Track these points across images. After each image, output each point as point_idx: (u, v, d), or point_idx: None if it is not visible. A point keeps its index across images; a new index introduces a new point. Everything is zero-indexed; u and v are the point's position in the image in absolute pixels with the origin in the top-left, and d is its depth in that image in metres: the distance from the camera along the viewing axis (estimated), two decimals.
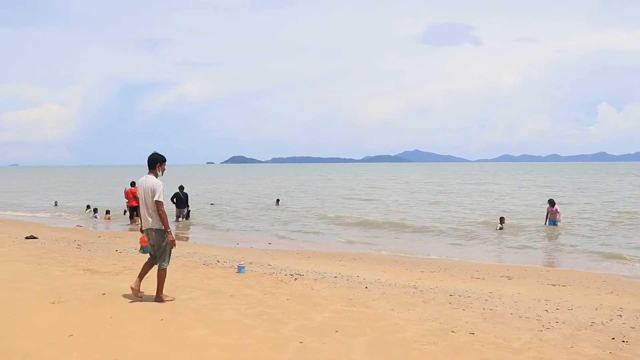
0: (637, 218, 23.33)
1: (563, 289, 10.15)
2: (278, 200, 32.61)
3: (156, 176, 7.30)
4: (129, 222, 22.73)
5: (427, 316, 7.08)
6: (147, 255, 7.55)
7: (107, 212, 25.56)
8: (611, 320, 7.35)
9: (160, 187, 7.09)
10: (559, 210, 20.18)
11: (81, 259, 10.97)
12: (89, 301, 7.18)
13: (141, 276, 7.42)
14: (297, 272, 10.29)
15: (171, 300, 7.38)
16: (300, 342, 5.62)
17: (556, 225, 19.94)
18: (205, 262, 11.16)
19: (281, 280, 9.29)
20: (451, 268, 12.53)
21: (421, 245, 17.14)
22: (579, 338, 6.27)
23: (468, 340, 5.94)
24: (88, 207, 26.69)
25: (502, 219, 20.85)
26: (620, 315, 7.68)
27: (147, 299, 7.38)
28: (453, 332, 6.27)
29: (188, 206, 23.98)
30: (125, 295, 7.55)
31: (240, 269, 9.81)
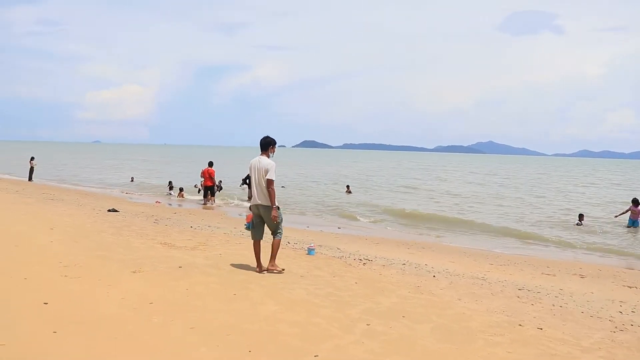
0: None
1: None
2: (348, 187, 32.74)
3: (268, 157, 8.05)
4: (203, 201, 23.44)
5: (495, 308, 7.06)
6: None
7: (181, 189, 26.44)
8: None
9: (274, 167, 7.88)
10: None
11: (158, 233, 11.49)
12: (167, 273, 7.57)
13: (258, 256, 8.23)
14: (365, 257, 10.42)
15: (280, 271, 8.15)
16: (368, 325, 5.75)
17: (637, 226, 19.17)
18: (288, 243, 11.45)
19: (350, 264, 9.44)
20: (521, 263, 12.33)
21: (490, 239, 16.88)
22: None
23: (535, 335, 5.91)
24: (170, 183, 27.74)
25: (581, 216, 20.26)
26: None
27: (221, 274, 7.70)
28: (520, 325, 6.24)
29: None
30: (199, 270, 7.90)
31: (310, 251, 10.03)
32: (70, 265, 7.64)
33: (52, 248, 8.92)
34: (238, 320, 5.62)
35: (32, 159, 33.84)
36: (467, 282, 8.87)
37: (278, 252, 8.35)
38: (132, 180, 35.76)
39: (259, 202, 8.00)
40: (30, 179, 32.09)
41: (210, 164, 23.58)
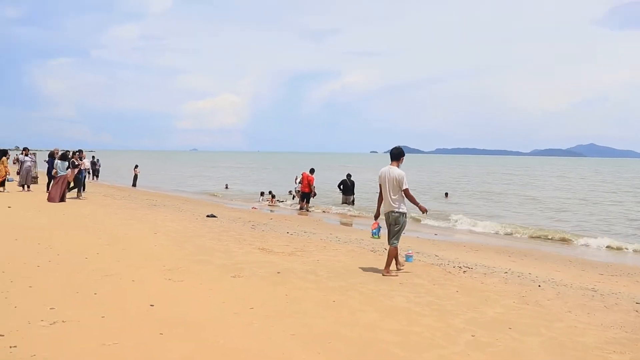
0: None
1: None
2: (447, 194, 32.10)
3: (398, 167, 8.39)
4: (298, 207, 23.68)
5: (610, 323, 6.57)
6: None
7: (273, 196, 26.83)
8: None
9: (404, 177, 8.24)
10: None
11: (256, 238, 11.66)
12: (266, 278, 7.63)
13: (397, 258, 8.71)
14: (465, 265, 10.07)
15: (395, 276, 8.36)
16: (472, 336, 5.50)
17: None
18: (372, 249, 11.30)
19: (449, 272, 9.15)
20: (636, 274, 11.49)
21: (596, 250, 15.89)
22: None
23: None
24: (262, 193, 28.14)
25: None
26: None
27: (319, 280, 7.68)
28: None
29: (353, 194, 24.48)
30: (297, 275, 7.91)
31: (408, 258, 9.81)
32: (173, 269, 7.87)
33: (156, 252, 9.26)
34: (338, 327, 5.54)
35: (136, 166, 35.68)
36: (575, 293, 8.34)
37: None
38: (226, 188, 36.79)
39: (389, 209, 8.37)
40: (134, 185, 33.79)
41: (312, 171, 23.75)
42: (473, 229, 19.18)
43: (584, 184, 52.37)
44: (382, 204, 8.56)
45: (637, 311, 7.34)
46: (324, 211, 23.03)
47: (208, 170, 71.04)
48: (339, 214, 22.34)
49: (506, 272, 9.62)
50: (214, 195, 31.74)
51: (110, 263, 8.08)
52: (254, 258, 9.16)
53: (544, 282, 9.01)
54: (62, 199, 17.38)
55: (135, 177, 34.74)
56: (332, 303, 6.51)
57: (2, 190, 19.80)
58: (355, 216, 21.63)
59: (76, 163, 18.76)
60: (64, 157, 18.45)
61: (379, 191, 8.66)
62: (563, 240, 16.92)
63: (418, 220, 20.74)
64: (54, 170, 18.37)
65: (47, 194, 17.63)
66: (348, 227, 17.95)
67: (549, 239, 17.19)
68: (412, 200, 8.46)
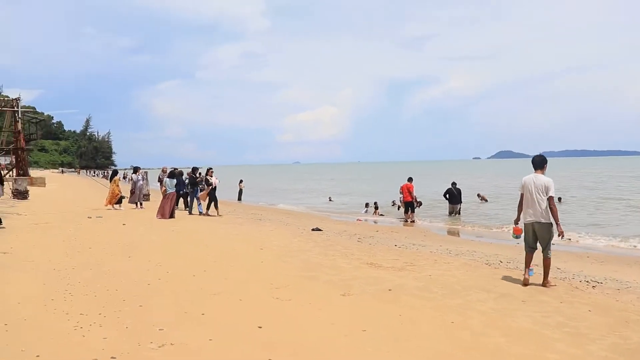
0: None
1: None
2: (560, 199, 30.23)
3: (543, 174, 8.23)
4: (403, 217, 23.09)
5: None
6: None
7: (376, 207, 26.36)
8: None
9: (552, 184, 8.04)
10: None
11: (363, 252, 11.26)
12: (376, 296, 7.20)
13: (528, 264, 8.38)
14: (592, 279, 9.13)
15: (554, 286, 8.12)
16: None
17: None
18: (487, 262, 10.59)
19: (576, 287, 8.30)
20: None
21: None
22: None
23: None
24: (367, 204, 27.61)
25: None
26: None
27: (434, 298, 7.16)
28: None
29: (461, 202, 23.59)
30: (410, 293, 7.42)
31: (529, 272, 9.02)
32: (280, 286, 7.63)
33: (262, 268, 9.09)
34: (460, 353, 5.02)
35: (241, 181, 36.46)
36: None
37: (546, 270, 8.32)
38: (330, 200, 36.72)
39: (534, 219, 8.12)
40: (239, 199, 34.49)
41: (410, 180, 23.23)
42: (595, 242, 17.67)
43: None
44: (524, 214, 8.32)
45: None
46: (429, 222, 22.29)
47: (310, 183, 71.73)
48: (445, 224, 21.53)
49: None
50: (317, 207, 31.75)
51: (218, 281, 7.98)
52: (362, 274, 8.77)
53: None
54: (172, 215, 17.85)
55: (240, 191, 35.50)
56: (450, 324, 5.97)
57: (118, 208, 20.70)
58: (461, 227, 20.73)
59: (210, 181, 19.23)
60: (172, 174, 19.00)
61: (519, 199, 8.46)
62: None
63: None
64: (162, 188, 18.96)
65: (158, 210, 18.13)
66: (457, 237, 17.16)
67: None
68: (554, 212, 8.05)
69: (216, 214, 19.27)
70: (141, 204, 21.58)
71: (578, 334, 5.73)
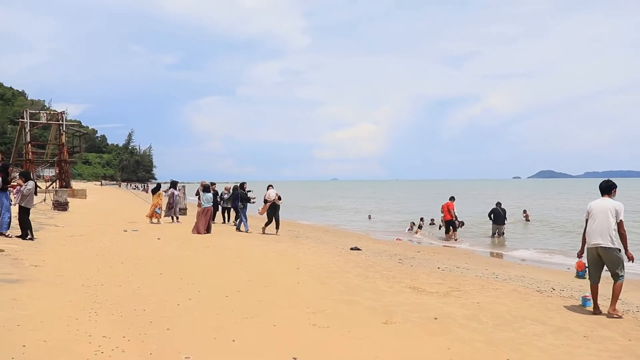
0: None
1: None
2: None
3: (611, 198, 7.98)
4: (444, 237, 22.40)
5: None
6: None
7: (419, 227, 25.71)
8: None
9: (622, 208, 7.78)
10: None
11: (405, 274, 10.68)
12: (422, 325, 6.62)
13: (596, 299, 7.91)
14: None
15: (620, 316, 7.60)
16: None
17: None
18: (538, 289, 9.88)
19: None
20: None
21: None
22: None
23: None
24: (412, 223, 26.86)
25: None
26: None
27: (485, 329, 6.53)
28: None
29: (505, 223, 22.73)
30: (458, 323, 6.82)
31: (585, 302, 8.31)
32: (317, 311, 7.12)
33: (299, 290, 8.59)
34: None
35: (279, 198, 36.06)
36: None
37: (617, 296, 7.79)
38: (369, 218, 36.15)
39: (600, 243, 7.73)
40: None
41: (452, 199, 22.64)
42: None
43: None
44: (588, 238, 7.91)
45: None
46: (472, 243, 21.49)
47: (348, 200, 71.13)
48: (489, 246, 20.70)
49: None
50: (357, 225, 31.16)
51: (251, 303, 7.50)
52: (405, 299, 8.19)
53: None
54: (208, 231, 17.56)
55: (278, 207, 35.11)
56: None
57: (155, 222, 20.55)
58: (504, 248, 19.87)
59: (270, 199, 18.75)
60: (207, 188, 18.72)
61: (584, 228, 8.05)
62: None
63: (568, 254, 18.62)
64: (197, 202, 18.71)
65: (195, 226, 17.84)
66: (503, 260, 16.33)
67: None
68: (623, 237, 7.78)
69: (274, 232, 18.59)
70: (177, 218, 21.39)
71: None
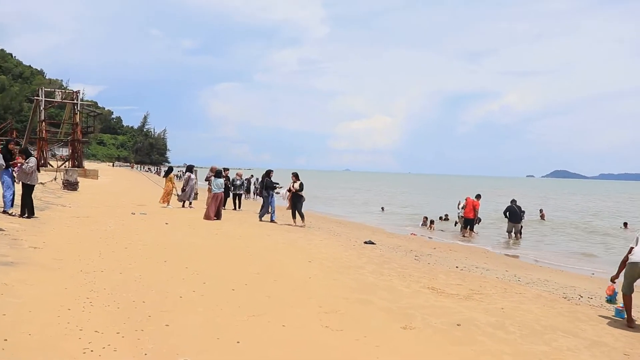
0: None
1: None
2: (626, 224, 28.21)
3: None
4: (461, 233, 21.79)
5: None
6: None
7: (432, 221, 25.09)
8: None
9: None
10: None
11: (423, 273, 10.10)
12: (444, 332, 6.06)
13: (629, 311, 7.33)
14: None
15: None
16: None
17: None
18: (565, 295, 9.27)
19: None
20: None
21: None
22: None
23: None
24: (425, 218, 26.15)
25: None
26: None
27: (513, 340, 5.96)
28: None
29: (521, 220, 21.94)
30: (482, 330, 6.24)
31: (619, 314, 7.68)
32: (330, 311, 6.58)
33: (310, 286, 8.04)
34: None
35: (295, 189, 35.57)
36: None
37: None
38: (382, 210, 35.55)
39: None
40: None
41: (478, 197, 22.04)
42: None
43: None
44: (633, 255, 7.33)
45: None
46: (488, 241, 20.85)
47: (361, 191, 70.50)
48: (506, 245, 20.05)
49: None
50: (369, 217, 30.58)
51: (259, 299, 6.98)
52: (424, 301, 7.62)
53: None
54: (218, 217, 17.07)
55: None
56: None
57: (165, 206, 20.09)
58: (523, 249, 19.21)
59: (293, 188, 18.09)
60: (219, 174, 18.19)
61: (626, 253, 7.54)
62: None
63: (591, 255, 17.99)
64: (207, 187, 18.20)
65: (205, 211, 17.34)
66: (523, 262, 15.52)
67: None
68: None
69: (300, 224, 17.81)
70: (190, 204, 20.87)
71: None
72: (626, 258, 7.46)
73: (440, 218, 27.18)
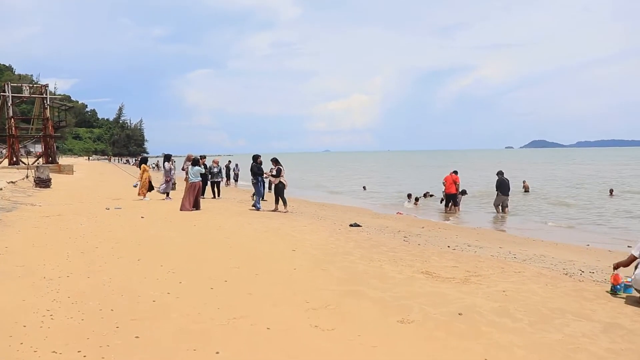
0: None
1: None
2: (612, 191, 28.00)
3: None
4: (444, 210, 21.34)
5: None
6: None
7: (417, 199, 24.65)
8: None
9: None
10: None
11: (414, 256, 9.53)
12: (446, 324, 5.48)
13: None
14: None
15: None
16: None
17: None
18: (566, 271, 8.77)
19: None
20: None
21: None
22: None
23: None
24: (409, 195, 25.64)
25: None
26: None
27: (522, 329, 5.41)
28: None
29: (509, 194, 21.46)
30: (486, 319, 5.69)
31: (626, 289, 7.15)
32: (319, 307, 5.98)
33: (295, 279, 7.43)
34: None
35: (271, 170, 34.81)
36: None
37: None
38: (364, 189, 35.06)
39: None
40: (270, 189, 32.84)
41: (455, 172, 21.65)
42: None
43: None
44: None
45: None
46: (476, 216, 20.43)
47: (342, 170, 69.99)
48: (495, 219, 19.63)
49: None
50: (350, 197, 30.05)
51: (241, 297, 6.36)
52: (419, 287, 7.06)
53: None
54: (197, 207, 16.38)
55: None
56: None
57: (141, 198, 19.32)
58: (513, 222, 18.80)
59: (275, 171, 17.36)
60: (195, 162, 17.46)
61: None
62: None
63: (581, 225, 17.63)
64: (185, 177, 17.49)
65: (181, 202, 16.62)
66: (516, 237, 14.66)
67: None
68: None
69: (282, 209, 17.23)
70: (167, 194, 20.09)
71: None
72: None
73: (425, 195, 26.74)
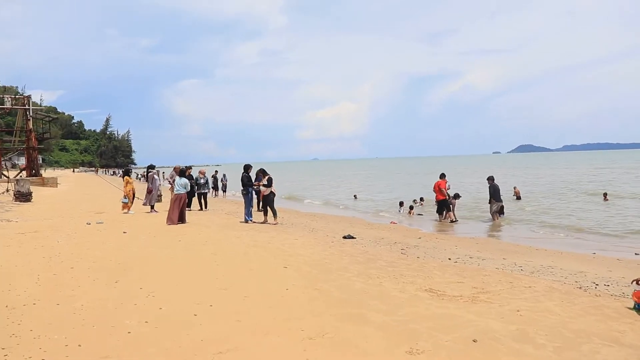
0: None
1: None
2: (605, 195, 27.52)
3: None
4: (438, 219, 20.66)
5: None
6: None
7: (411, 207, 24.05)
8: None
9: None
10: None
11: (415, 271, 8.86)
12: (460, 353, 4.82)
13: None
14: None
15: None
16: None
17: None
18: (579, 285, 8.15)
19: None
20: None
21: None
22: None
23: None
24: (401, 204, 25.01)
25: None
26: None
27: (544, 357, 4.76)
28: None
29: (501, 200, 20.80)
30: (505, 346, 5.04)
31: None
32: (316, 335, 5.30)
33: (288, 301, 6.73)
34: None
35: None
36: None
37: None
38: (355, 198, 34.42)
39: None
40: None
41: (442, 176, 20.99)
42: None
43: None
44: None
45: None
46: (472, 224, 19.80)
47: (331, 179, 69.34)
48: (493, 227, 19.00)
49: None
50: (343, 207, 29.37)
51: (228, 325, 5.66)
52: (425, 309, 6.38)
53: None
54: (182, 220, 15.65)
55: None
56: None
57: (126, 212, 18.54)
58: (511, 230, 18.19)
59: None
60: (182, 173, 16.74)
61: None
62: None
63: (581, 231, 17.07)
64: (169, 187, 16.74)
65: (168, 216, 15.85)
66: (517, 246, 13.90)
67: None
68: None
69: (272, 221, 16.57)
70: (152, 207, 19.28)
71: None
72: None
73: (415, 201, 26.14)
